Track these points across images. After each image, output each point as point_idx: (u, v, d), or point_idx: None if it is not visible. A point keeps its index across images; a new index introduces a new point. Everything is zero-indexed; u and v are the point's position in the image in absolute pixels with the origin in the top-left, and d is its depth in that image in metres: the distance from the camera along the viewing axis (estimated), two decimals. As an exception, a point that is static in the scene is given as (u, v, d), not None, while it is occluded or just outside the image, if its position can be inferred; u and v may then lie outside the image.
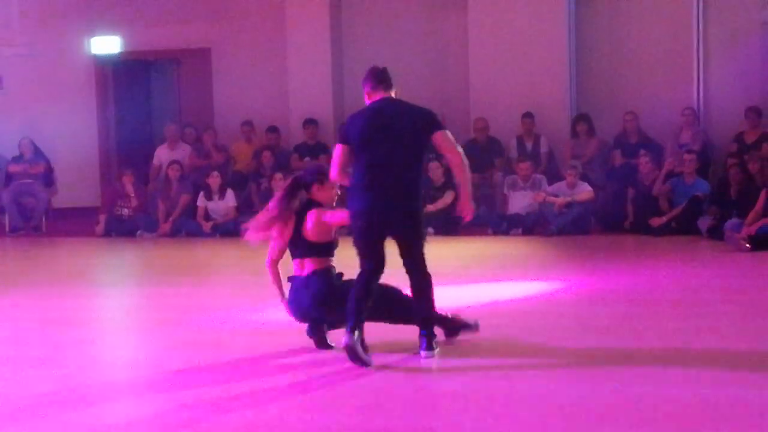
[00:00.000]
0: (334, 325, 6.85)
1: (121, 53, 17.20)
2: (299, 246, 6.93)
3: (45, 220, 16.22)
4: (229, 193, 15.05)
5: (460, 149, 6.69)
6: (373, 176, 6.53)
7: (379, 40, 15.74)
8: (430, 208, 13.35)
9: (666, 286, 9.66)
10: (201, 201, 15.06)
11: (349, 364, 6.37)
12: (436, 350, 6.61)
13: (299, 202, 6.99)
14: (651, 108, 14.90)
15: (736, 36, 14.76)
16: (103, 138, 17.34)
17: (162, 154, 16.20)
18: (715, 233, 12.48)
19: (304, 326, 7.01)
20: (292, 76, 16.15)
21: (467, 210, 6.80)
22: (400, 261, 6.68)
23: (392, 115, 6.62)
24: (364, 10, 16.17)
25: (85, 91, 17.22)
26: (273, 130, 16.04)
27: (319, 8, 16.01)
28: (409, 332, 6.75)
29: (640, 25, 15.13)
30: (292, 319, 7.04)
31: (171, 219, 15.10)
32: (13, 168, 16.26)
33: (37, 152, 16.36)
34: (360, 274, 6.55)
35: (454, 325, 7.04)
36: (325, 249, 6.90)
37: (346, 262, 6.93)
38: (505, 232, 14.01)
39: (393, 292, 6.83)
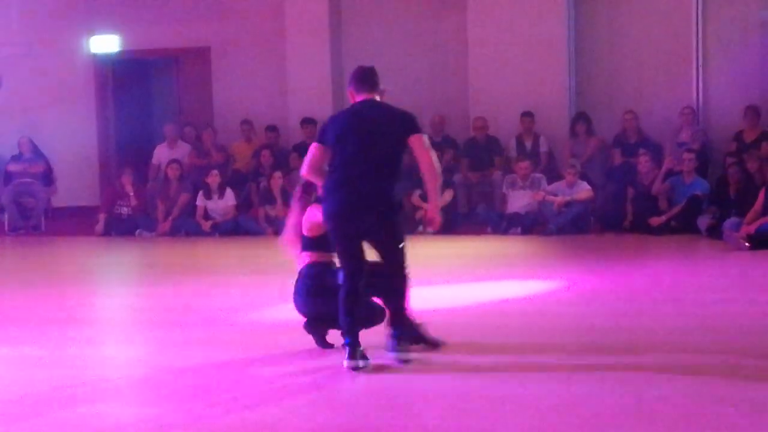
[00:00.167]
0: (333, 325, 6.85)
1: (120, 52, 17.17)
2: (301, 239, 7.00)
3: (44, 219, 16.19)
4: (229, 192, 15.04)
5: (434, 157, 6.61)
6: (346, 178, 6.48)
7: (379, 39, 15.72)
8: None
9: (665, 286, 9.66)
10: (200, 200, 15.04)
11: (348, 364, 6.37)
12: (406, 353, 6.57)
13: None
14: (650, 107, 14.90)
15: (735, 35, 14.74)
16: (102, 137, 17.31)
17: (161, 153, 16.19)
18: (715, 232, 12.48)
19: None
20: (292, 75, 16.14)
21: (434, 221, 6.73)
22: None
23: (371, 117, 6.56)
24: (363, 10, 16.15)
25: (85, 91, 17.20)
26: (272, 129, 16.03)
27: (319, 8, 16.00)
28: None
29: (639, 25, 15.10)
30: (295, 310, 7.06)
31: (170, 218, 15.07)
32: (13, 167, 16.26)
33: (37, 151, 16.36)
34: (342, 286, 6.49)
35: (420, 334, 6.85)
36: (320, 243, 6.89)
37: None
38: (504, 232, 14.00)
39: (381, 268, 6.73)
